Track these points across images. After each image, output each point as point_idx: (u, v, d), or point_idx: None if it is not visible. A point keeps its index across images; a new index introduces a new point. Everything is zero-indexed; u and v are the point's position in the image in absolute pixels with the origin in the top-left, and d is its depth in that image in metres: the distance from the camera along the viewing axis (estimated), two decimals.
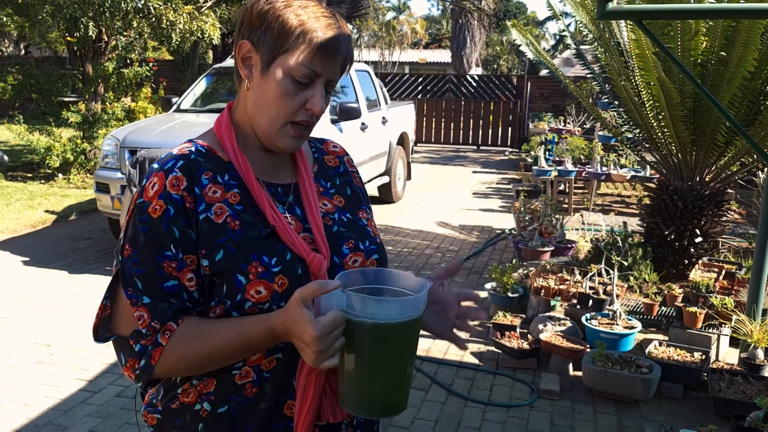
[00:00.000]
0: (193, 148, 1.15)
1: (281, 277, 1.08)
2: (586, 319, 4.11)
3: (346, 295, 1.00)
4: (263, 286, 1.07)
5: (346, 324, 0.99)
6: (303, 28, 1.09)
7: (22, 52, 25.04)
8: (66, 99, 9.99)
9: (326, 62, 1.11)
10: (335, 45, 1.10)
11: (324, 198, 1.22)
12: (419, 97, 16.33)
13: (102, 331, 1.13)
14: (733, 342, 4.11)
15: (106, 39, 9.60)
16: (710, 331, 4.03)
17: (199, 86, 7.47)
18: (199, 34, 9.11)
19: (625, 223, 5.94)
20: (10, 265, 5.75)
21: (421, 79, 16.81)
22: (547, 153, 9.60)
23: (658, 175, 6.55)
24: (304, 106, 1.12)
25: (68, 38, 9.37)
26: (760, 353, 3.65)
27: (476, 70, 25.46)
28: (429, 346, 4.27)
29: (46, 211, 7.57)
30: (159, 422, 1.15)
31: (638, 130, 5.33)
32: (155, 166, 1.12)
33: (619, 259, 4.39)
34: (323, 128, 6.22)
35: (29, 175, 9.71)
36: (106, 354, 4.05)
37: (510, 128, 15.64)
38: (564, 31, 5.91)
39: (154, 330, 1.06)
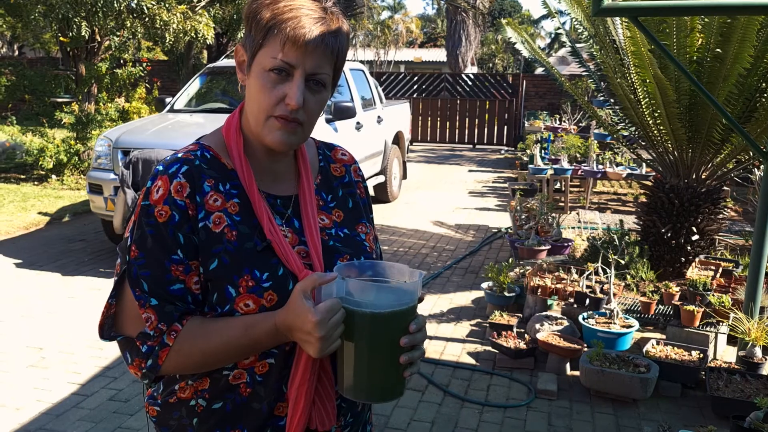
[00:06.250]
0: (198, 153, 1.15)
1: (270, 293, 1.09)
2: (583, 318, 4.09)
3: (346, 282, 1.03)
4: (252, 300, 1.09)
5: (344, 311, 1.02)
6: (275, 21, 1.08)
7: (16, 52, 24.92)
8: (59, 100, 9.91)
9: (298, 53, 1.08)
10: (305, 34, 1.07)
11: (322, 213, 1.23)
12: (415, 96, 16.32)
13: (107, 329, 1.14)
14: (731, 340, 4.10)
15: (99, 39, 9.55)
16: (708, 329, 4.01)
17: (193, 86, 7.42)
18: (192, 34, 9.05)
19: (621, 221, 5.91)
20: (2, 268, 5.70)
21: (416, 78, 16.78)
22: (543, 151, 9.59)
23: (654, 173, 6.53)
24: (283, 100, 1.10)
25: (61, 38, 9.30)
26: (758, 351, 3.63)
27: (471, 69, 25.43)
28: (425, 347, 4.24)
29: (39, 213, 7.52)
30: (159, 414, 1.19)
31: (634, 128, 5.31)
32: (160, 168, 1.11)
33: (615, 257, 4.37)
34: (318, 128, 6.18)
35: (22, 176, 9.64)
36: (99, 358, 4.02)
37: (506, 127, 15.64)
38: (559, 29, 5.89)
39: (160, 332, 1.08)
